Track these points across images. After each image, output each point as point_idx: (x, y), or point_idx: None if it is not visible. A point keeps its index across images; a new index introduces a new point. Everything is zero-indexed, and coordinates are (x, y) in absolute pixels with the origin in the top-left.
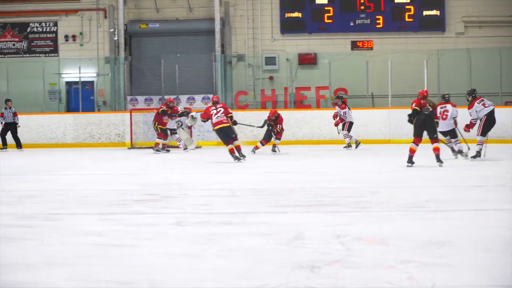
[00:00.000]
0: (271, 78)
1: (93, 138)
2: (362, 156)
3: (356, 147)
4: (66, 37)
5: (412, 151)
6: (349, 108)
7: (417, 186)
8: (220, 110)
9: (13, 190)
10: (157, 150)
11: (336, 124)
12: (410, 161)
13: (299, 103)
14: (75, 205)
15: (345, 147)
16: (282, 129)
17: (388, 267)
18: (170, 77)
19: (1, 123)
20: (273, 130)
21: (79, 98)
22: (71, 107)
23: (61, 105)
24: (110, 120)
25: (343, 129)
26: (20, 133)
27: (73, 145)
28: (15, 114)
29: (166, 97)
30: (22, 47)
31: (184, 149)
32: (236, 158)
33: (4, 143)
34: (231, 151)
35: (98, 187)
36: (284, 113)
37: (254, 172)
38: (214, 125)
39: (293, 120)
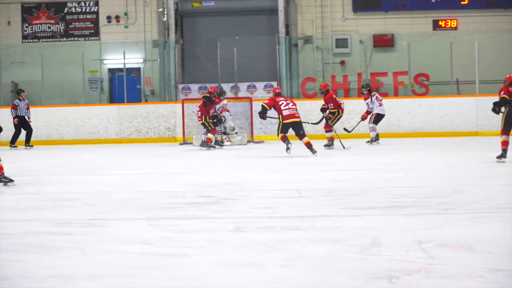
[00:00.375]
0: (342, 62)
1: (140, 133)
2: (446, 150)
3: (370, 142)
4: (109, 18)
5: (505, 144)
6: (377, 98)
7: (508, 184)
8: (290, 103)
9: (48, 192)
10: (210, 147)
11: (363, 118)
12: (503, 155)
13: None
14: (119, 209)
15: (368, 141)
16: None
17: (476, 276)
18: (227, 63)
19: (14, 117)
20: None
21: (123, 87)
22: (114, 98)
23: (103, 96)
24: (159, 112)
25: (369, 122)
26: (56, 127)
27: (117, 140)
28: (28, 107)
29: (222, 85)
30: (58, 30)
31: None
32: (314, 151)
33: (14, 141)
34: (307, 144)
35: (146, 188)
36: (356, 102)
37: (323, 169)
38: (285, 117)
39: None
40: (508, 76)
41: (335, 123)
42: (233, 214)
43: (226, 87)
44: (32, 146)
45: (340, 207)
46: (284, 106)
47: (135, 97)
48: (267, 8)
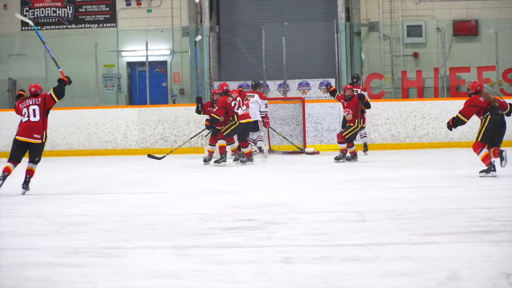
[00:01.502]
0: (415, 55)
1: (166, 142)
2: None
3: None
4: (128, 0)
5: (487, 158)
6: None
7: None
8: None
9: (54, 215)
10: (218, 161)
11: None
12: (492, 168)
13: (455, 90)
14: (141, 235)
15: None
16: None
17: None
18: (274, 55)
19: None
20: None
21: (145, 85)
22: (134, 98)
23: (120, 96)
24: (189, 116)
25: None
26: (63, 135)
27: (138, 151)
28: None
29: (268, 82)
30: (66, 15)
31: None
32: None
33: None
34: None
35: (174, 210)
36: (433, 104)
37: (390, 187)
38: (240, 117)
39: (445, 113)
40: (471, 84)
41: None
42: (280, 241)
43: (272, 85)
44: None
45: (412, 232)
46: (237, 107)
47: (160, 97)
48: None
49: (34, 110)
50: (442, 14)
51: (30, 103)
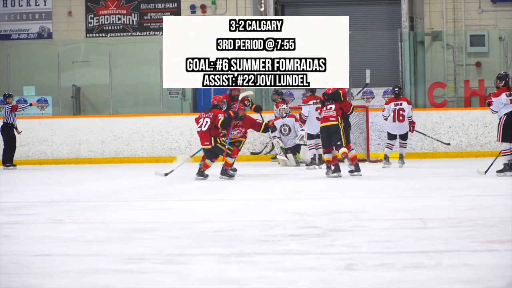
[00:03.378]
0: (478, 64)
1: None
2: None
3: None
4: (193, 7)
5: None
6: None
7: None
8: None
9: (118, 221)
10: (229, 175)
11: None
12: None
13: None
14: (205, 242)
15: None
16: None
17: None
18: None
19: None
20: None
21: (210, 92)
22: (199, 106)
23: (185, 103)
24: None
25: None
26: (127, 141)
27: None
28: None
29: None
30: (131, 23)
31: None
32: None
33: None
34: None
35: (237, 217)
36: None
37: (453, 195)
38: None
39: None
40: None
41: None
42: (343, 248)
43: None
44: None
45: (473, 240)
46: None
47: None
48: None
49: (206, 122)
50: (504, 24)
51: (205, 115)
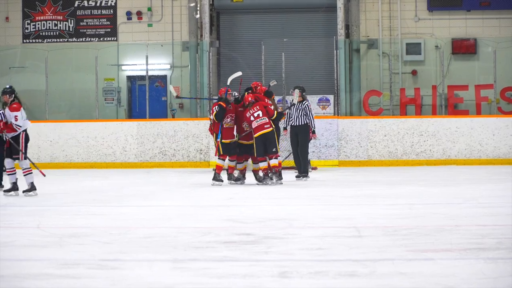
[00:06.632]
0: (414, 72)
1: (165, 156)
2: None
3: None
4: (129, 14)
5: None
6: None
7: None
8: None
9: (52, 227)
10: (236, 180)
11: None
12: None
13: (452, 108)
14: (138, 248)
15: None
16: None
17: None
18: (273, 70)
19: None
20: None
21: (145, 99)
22: (134, 112)
23: (120, 109)
24: (189, 130)
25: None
26: (62, 147)
27: (137, 164)
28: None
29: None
30: (67, 29)
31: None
32: (260, 180)
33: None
34: (264, 171)
35: (171, 223)
36: (431, 121)
37: (388, 203)
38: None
39: (443, 131)
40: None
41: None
42: (277, 256)
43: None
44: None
45: (408, 249)
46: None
47: (160, 111)
48: (323, 5)
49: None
50: (441, 32)
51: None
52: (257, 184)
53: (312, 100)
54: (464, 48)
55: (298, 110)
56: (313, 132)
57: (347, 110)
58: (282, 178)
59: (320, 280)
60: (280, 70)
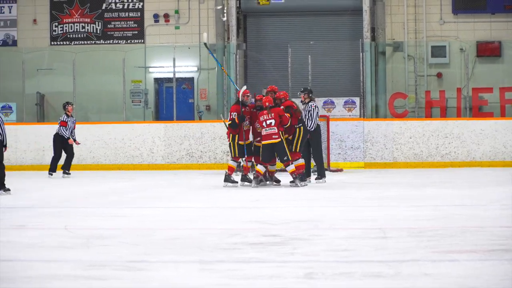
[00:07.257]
0: (439, 75)
1: (192, 157)
2: None
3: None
4: (156, 16)
5: None
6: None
7: None
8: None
9: (79, 228)
10: (231, 181)
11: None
12: None
13: (477, 110)
14: (165, 249)
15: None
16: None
17: None
18: (299, 73)
19: (68, 137)
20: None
21: (172, 101)
22: (161, 114)
23: (147, 111)
24: (216, 132)
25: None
26: (90, 149)
27: (164, 166)
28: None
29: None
30: (95, 31)
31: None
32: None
33: (54, 167)
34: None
35: (198, 225)
36: (456, 123)
37: (413, 205)
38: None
39: (467, 133)
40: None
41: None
42: (303, 257)
43: (298, 103)
44: (70, 173)
45: (433, 250)
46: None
47: (187, 113)
48: (349, 8)
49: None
50: (466, 35)
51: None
52: (274, 184)
53: (338, 102)
54: (488, 50)
55: (304, 112)
56: (310, 132)
57: (373, 112)
58: (305, 180)
59: (345, 281)
60: (306, 72)
